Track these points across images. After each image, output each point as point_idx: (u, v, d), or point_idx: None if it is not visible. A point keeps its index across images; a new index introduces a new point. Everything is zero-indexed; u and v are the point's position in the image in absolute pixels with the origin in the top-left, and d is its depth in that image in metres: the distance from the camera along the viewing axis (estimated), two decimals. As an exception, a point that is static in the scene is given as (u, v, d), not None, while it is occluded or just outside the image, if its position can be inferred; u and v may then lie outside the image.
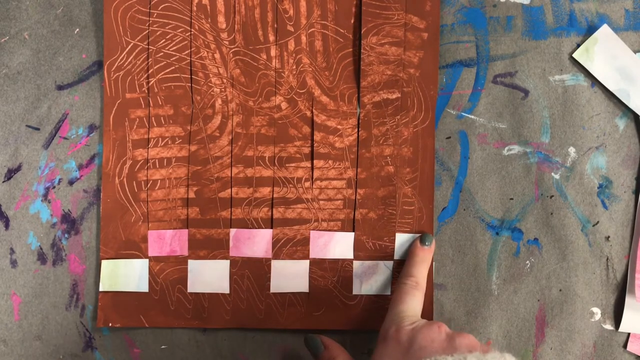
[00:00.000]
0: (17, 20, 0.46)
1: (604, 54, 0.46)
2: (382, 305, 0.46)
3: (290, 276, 0.46)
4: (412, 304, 0.42)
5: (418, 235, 0.46)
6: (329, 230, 0.46)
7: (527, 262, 0.47)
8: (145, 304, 0.46)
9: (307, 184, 0.46)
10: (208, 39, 0.46)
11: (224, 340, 0.47)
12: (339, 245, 0.46)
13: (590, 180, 0.46)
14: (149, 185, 0.46)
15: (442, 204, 0.47)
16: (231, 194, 0.46)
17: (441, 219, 0.47)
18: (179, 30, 0.46)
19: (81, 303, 0.46)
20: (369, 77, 0.46)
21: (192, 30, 0.46)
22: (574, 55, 0.46)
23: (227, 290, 0.46)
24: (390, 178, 0.46)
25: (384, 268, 0.46)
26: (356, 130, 0.46)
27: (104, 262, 0.46)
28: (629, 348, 0.46)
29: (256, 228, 0.46)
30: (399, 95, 0.46)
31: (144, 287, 0.46)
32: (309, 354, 0.46)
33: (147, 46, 0.46)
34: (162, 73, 0.46)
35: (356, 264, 0.46)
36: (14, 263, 0.46)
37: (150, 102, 0.46)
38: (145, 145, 0.46)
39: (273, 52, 0.46)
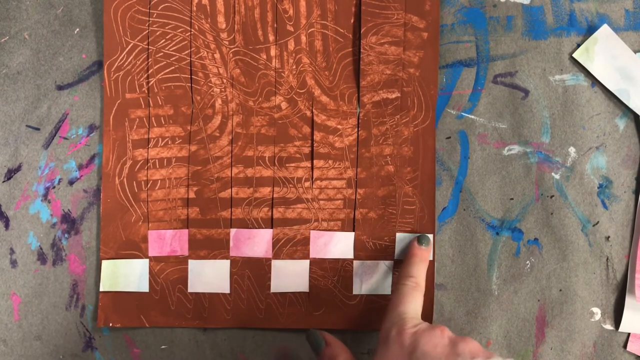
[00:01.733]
0: (17, 20, 0.46)
1: (604, 54, 0.46)
2: (382, 305, 0.46)
3: (290, 276, 0.46)
4: (413, 305, 0.41)
5: (416, 235, 0.46)
6: (329, 230, 0.46)
7: (527, 262, 0.47)
8: (145, 304, 0.46)
9: (307, 184, 0.46)
10: (208, 39, 0.46)
11: (224, 340, 0.47)
12: (339, 245, 0.46)
13: (590, 180, 0.46)
14: (149, 185, 0.46)
15: (442, 204, 0.47)
16: (231, 194, 0.46)
17: (441, 219, 0.47)
18: (179, 30, 0.46)
19: (81, 303, 0.46)
20: (368, 77, 0.46)
21: (192, 30, 0.46)
22: (574, 55, 0.46)
23: (227, 290, 0.46)
24: (390, 178, 0.46)
25: (385, 268, 0.46)
26: (356, 130, 0.46)
27: (104, 263, 0.46)
28: (629, 348, 0.46)
29: (256, 228, 0.46)
30: (399, 94, 0.46)
31: (144, 287, 0.46)
32: (309, 353, 0.46)
33: (147, 46, 0.46)
34: (162, 73, 0.46)
35: (356, 263, 0.46)
36: (14, 263, 0.46)
37: (150, 102, 0.46)
38: (145, 145, 0.46)
39: (273, 52, 0.46)
